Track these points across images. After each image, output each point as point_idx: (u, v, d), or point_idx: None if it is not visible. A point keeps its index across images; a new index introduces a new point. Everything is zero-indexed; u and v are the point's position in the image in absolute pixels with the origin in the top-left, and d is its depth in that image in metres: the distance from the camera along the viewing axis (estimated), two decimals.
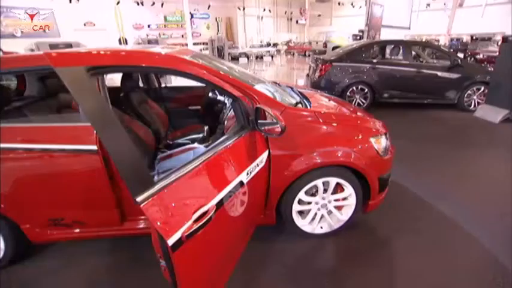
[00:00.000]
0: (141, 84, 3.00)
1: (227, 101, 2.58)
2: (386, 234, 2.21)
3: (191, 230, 1.07)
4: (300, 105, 2.07)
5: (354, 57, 5.45)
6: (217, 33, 23.47)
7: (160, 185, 1.08)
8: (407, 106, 5.69)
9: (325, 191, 1.99)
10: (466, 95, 5.40)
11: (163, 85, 3.11)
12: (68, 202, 1.73)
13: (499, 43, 18.10)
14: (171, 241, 0.99)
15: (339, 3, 25.39)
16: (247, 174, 1.51)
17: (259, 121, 1.60)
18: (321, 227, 2.13)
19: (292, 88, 2.58)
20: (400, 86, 5.41)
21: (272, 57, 19.77)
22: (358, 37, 16.83)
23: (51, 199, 1.70)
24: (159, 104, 2.89)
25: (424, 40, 16.31)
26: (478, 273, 1.84)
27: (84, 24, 16.55)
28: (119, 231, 1.85)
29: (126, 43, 16.06)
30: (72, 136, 1.61)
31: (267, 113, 1.57)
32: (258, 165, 1.62)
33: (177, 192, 1.12)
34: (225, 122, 2.00)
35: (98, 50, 1.52)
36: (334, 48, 17.08)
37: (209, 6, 21.89)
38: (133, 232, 1.86)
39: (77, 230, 1.82)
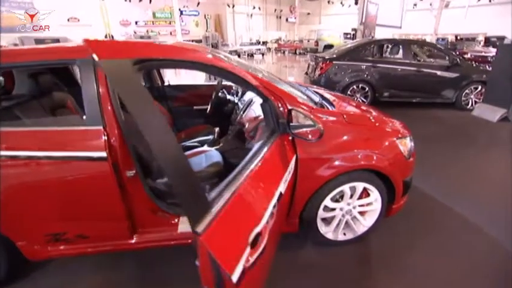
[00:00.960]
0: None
1: (239, 101, 2.42)
2: (407, 238, 2.13)
3: (253, 259, 0.90)
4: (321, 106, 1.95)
5: (354, 55, 5.38)
6: (206, 31, 23.12)
7: (217, 207, 0.91)
8: (406, 105, 5.68)
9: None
10: (463, 94, 5.44)
11: (166, 83, 2.91)
12: (71, 214, 1.54)
13: (481, 43, 18.77)
14: (235, 277, 0.82)
15: (328, 2, 25.52)
16: (284, 183, 1.37)
17: (291, 124, 1.46)
18: (344, 234, 2.01)
19: (307, 87, 2.45)
20: (401, 85, 5.39)
21: (263, 55, 19.65)
22: (352, 35, 16.93)
23: (52, 212, 1.50)
24: (162, 104, 2.69)
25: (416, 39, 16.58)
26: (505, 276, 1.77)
27: (68, 20, 15.87)
28: (128, 245, 1.66)
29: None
30: (77, 142, 1.42)
31: (296, 115, 1.44)
32: (290, 172, 1.48)
33: (232, 213, 0.96)
34: (246, 124, 1.85)
35: (143, 41, 1.33)
36: (326, 46, 17.29)
37: (198, 3, 21.50)
38: (144, 246, 1.68)
39: (81, 245, 1.62)
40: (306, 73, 6.40)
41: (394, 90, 5.43)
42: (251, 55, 18.79)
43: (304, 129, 1.50)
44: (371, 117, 2.04)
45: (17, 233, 1.53)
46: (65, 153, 1.40)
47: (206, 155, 2.11)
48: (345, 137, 1.75)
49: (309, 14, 29.05)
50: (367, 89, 5.35)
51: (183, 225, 1.69)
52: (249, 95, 2.32)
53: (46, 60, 1.51)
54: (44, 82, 2.22)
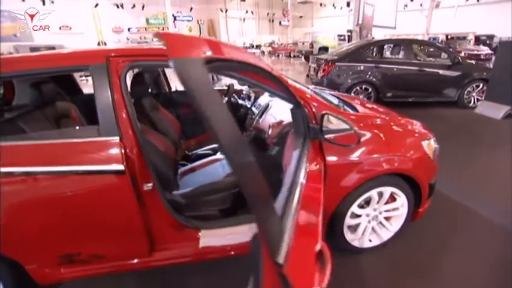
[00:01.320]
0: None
1: (253, 106, 2.32)
2: (433, 241, 2.05)
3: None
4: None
5: (357, 56, 5.36)
6: (200, 36, 23.06)
7: (288, 231, 0.82)
8: (408, 105, 5.66)
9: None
10: (466, 92, 5.44)
11: (173, 89, 2.80)
12: (85, 233, 1.42)
13: (472, 42, 19.09)
14: None
15: (320, 4, 25.74)
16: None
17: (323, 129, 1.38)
18: (370, 240, 1.93)
19: (321, 90, 2.37)
20: (404, 85, 5.37)
21: None
22: (347, 37, 16.94)
23: (65, 231, 1.39)
24: (169, 110, 2.59)
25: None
26: None
27: (60, 28, 15.66)
28: (147, 263, 1.55)
29: None
30: (91, 155, 1.31)
31: (328, 120, 1.37)
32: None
33: (300, 234, 0.87)
34: (266, 130, 1.76)
35: (210, 39, 1.19)
36: (320, 48, 17.35)
37: (191, 9, 21.47)
38: (164, 263, 1.57)
39: (96, 266, 1.50)
40: (307, 75, 6.35)
41: (397, 90, 5.41)
42: None
43: (337, 134, 1.42)
44: (395, 120, 1.97)
45: (27, 255, 1.40)
46: (78, 167, 1.29)
47: (222, 164, 2.01)
48: (372, 140, 1.67)
49: (301, 17, 29.25)
50: (370, 89, 5.31)
51: (206, 239, 1.59)
52: (264, 99, 2.23)
53: (55, 67, 1.40)
54: (47, 91, 2.10)
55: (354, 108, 1.95)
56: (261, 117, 2.09)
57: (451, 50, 6.15)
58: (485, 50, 14.10)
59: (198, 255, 1.58)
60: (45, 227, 1.35)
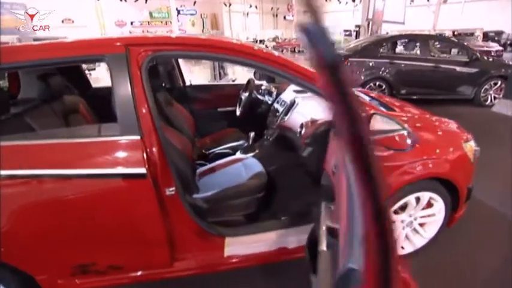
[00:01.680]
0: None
1: (276, 103, 2.16)
2: (469, 247, 1.92)
3: None
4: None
5: (370, 52, 5.18)
6: (203, 30, 22.80)
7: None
8: (423, 102, 5.46)
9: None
10: (483, 90, 5.26)
11: (187, 83, 2.65)
12: (101, 242, 1.29)
13: (480, 38, 18.75)
14: None
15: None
16: None
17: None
18: (402, 247, 1.80)
19: None
20: (419, 82, 5.20)
21: None
22: (355, 32, 16.59)
23: (79, 239, 1.26)
24: (183, 105, 2.44)
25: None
26: None
27: (62, 21, 15.46)
28: (169, 273, 1.42)
29: None
30: (109, 156, 1.18)
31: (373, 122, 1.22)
32: None
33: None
34: (301, 130, 1.61)
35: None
36: None
37: (195, 2, 21.17)
38: (186, 274, 1.44)
39: (114, 276, 1.37)
40: None
41: (412, 87, 5.23)
42: None
43: (382, 136, 1.28)
44: (434, 120, 1.83)
45: (37, 266, 1.27)
46: (94, 170, 1.16)
47: (244, 164, 1.87)
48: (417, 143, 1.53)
49: (305, 11, 28.87)
50: (384, 86, 5.14)
51: (230, 248, 1.46)
52: (288, 95, 2.07)
53: (66, 57, 1.26)
54: (54, 84, 1.96)
55: (388, 107, 1.80)
56: (286, 115, 1.94)
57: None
58: (495, 46, 13.81)
59: (223, 264, 1.45)
60: (56, 235, 1.22)
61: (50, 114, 1.79)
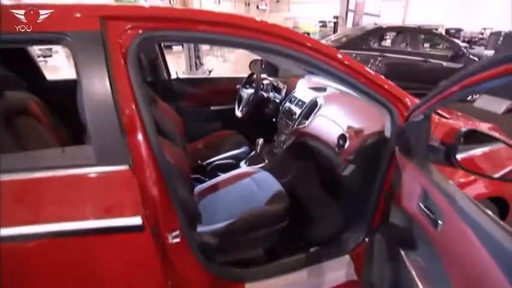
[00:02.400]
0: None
1: (289, 102, 1.76)
2: None
3: None
4: None
5: (359, 44, 4.95)
6: None
7: None
8: None
9: None
10: None
11: (173, 76, 2.14)
12: None
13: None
14: None
15: None
16: None
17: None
18: None
19: None
20: (408, 75, 5.09)
21: None
22: (333, 24, 16.43)
23: None
24: (169, 103, 1.95)
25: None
26: None
27: None
28: None
29: None
30: (79, 200, 0.73)
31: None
32: None
33: None
34: (343, 142, 1.23)
35: None
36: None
37: None
38: None
39: None
40: None
41: (400, 81, 5.09)
42: None
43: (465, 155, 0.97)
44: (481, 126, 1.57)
45: None
46: (56, 225, 0.70)
47: (255, 180, 1.47)
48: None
49: (278, 1, 28.38)
50: None
51: None
52: (305, 93, 1.69)
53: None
54: None
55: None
56: (306, 118, 1.56)
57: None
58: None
59: None
60: None
61: None
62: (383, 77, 1.10)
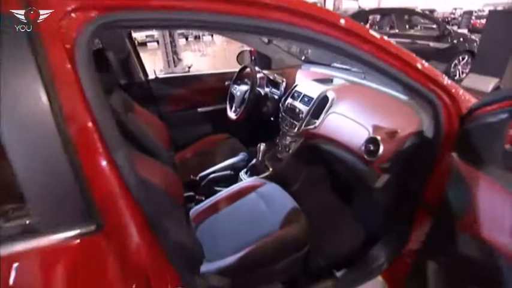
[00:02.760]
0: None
1: (292, 98, 1.49)
2: None
3: None
4: None
5: None
6: None
7: None
8: None
9: None
10: (453, 65, 5.26)
11: (151, 76, 1.81)
12: None
13: None
14: None
15: None
16: None
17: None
18: None
19: None
20: None
21: (212, 36, 18.04)
22: None
23: None
24: (149, 108, 1.64)
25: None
26: None
27: None
28: None
29: None
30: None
31: None
32: None
33: None
34: (375, 147, 0.98)
35: None
36: None
37: None
38: None
39: None
40: None
41: None
42: (198, 37, 17.04)
43: None
44: None
45: None
46: None
47: (262, 196, 1.22)
48: None
49: None
50: None
51: None
52: (311, 87, 1.43)
53: None
54: None
55: None
56: (316, 117, 1.31)
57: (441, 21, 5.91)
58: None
59: None
60: None
61: None
62: (425, 62, 0.87)
